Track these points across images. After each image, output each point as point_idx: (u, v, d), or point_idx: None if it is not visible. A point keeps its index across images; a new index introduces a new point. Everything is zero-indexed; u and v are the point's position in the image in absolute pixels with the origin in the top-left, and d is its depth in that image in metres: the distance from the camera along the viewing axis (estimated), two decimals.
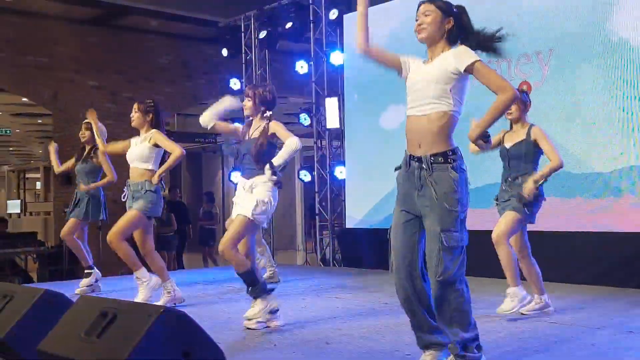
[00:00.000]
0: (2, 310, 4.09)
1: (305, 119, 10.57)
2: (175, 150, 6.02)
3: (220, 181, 18.44)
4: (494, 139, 5.07)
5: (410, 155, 3.57)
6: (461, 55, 3.48)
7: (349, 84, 9.92)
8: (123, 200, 6.27)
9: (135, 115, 6.19)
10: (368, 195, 9.43)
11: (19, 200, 27.59)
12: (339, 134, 10.28)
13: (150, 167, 6.13)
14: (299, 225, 18.30)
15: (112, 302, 3.49)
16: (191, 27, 12.78)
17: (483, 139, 3.50)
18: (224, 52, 11.60)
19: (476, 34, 3.61)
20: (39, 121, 17.67)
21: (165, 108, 13.29)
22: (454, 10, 3.62)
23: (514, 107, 5.13)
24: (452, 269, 3.40)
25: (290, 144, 4.89)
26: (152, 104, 6.25)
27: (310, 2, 10.35)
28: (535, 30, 7.55)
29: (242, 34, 11.48)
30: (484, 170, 6.97)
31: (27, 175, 29.74)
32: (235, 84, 11.44)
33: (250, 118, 5.17)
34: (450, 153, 3.47)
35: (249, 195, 4.90)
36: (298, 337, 4.65)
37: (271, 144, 5.01)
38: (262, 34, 10.85)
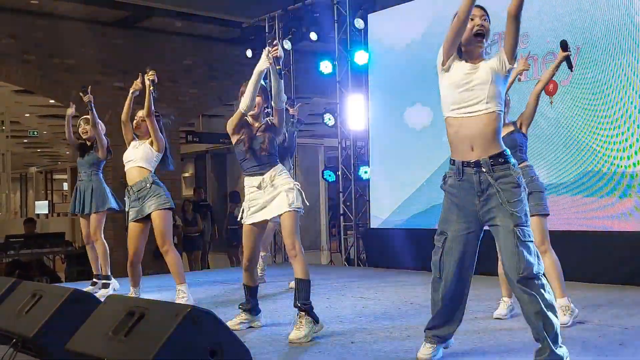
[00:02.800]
0: (31, 309, 4.15)
1: (329, 119, 10.57)
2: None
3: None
4: None
5: (462, 162, 3.56)
6: (501, 54, 3.56)
7: (374, 83, 9.91)
8: (126, 209, 6.17)
9: (142, 124, 6.19)
10: (393, 195, 9.41)
11: (47, 201, 27.86)
12: (363, 134, 10.26)
13: (150, 167, 6.14)
14: (323, 225, 18.27)
15: (140, 301, 3.52)
16: (215, 28, 12.82)
17: None
18: (249, 53, 11.61)
19: None
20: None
21: (190, 109, 13.44)
22: None
23: None
24: (533, 262, 3.40)
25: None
26: (157, 113, 6.27)
27: (335, 2, 10.35)
28: (562, 28, 7.50)
29: (267, 35, 11.50)
30: None
31: (55, 177, 30.02)
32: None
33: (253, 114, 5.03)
34: (506, 153, 3.55)
35: (275, 191, 4.78)
36: (323, 336, 4.65)
37: (277, 131, 4.99)
38: (287, 44, 10.82)
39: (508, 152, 3.57)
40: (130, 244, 6.11)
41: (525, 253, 3.39)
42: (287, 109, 5.80)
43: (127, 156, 6.20)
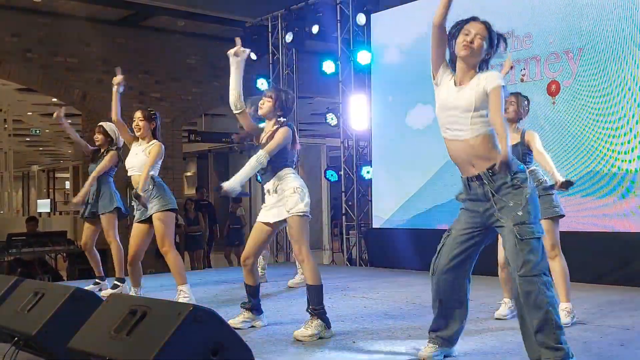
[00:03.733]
0: (34, 308, 4.15)
1: (332, 119, 10.57)
2: (144, 173, 5.94)
3: (246, 182, 18.43)
4: None
5: (467, 177, 3.65)
6: (490, 78, 3.53)
7: (376, 83, 9.91)
8: (135, 215, 6.11)
9: (141, 124, 6.15)
10: (395, 195, 9.41)
11: (49, 200, 27.86)
12: (365, 134, 10.26)
13: (151, 172, 6.10)
14: (325, 224, 18.28)
15: (142, 300, 3.52)
16: (218, 27, 12.82)
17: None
18: (253, 56, 11.59)
19: None
20: (69, 121, 17.80)
21: (192, 108, 13.45)
22: (497, 43, 3.65)
23: (511, 108, 4.95)
24: (533, 261, 3.41)
25: (252, 159, 4.71)
26: (154, 112, 6.22)
27: (338, 1, 10.35)
28: (564, 29, 7.50)
29: (269, 34, 11.51)
30: None
31: (57, 175, 30.01)
32: (262, 84, 11.45)
33: (265, 120, 5.00)
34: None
35: (280, 196, 4.76)
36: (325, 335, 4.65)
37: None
38: (289, 37, 10.84)
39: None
40: (131, 243, 6.10)
41: (526, 251, 3.41)
42: None
43: (128, 163, 6.19)
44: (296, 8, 10.79)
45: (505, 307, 5.09)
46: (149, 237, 6.09)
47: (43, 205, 26.79)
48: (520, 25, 7.79)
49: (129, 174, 6.20)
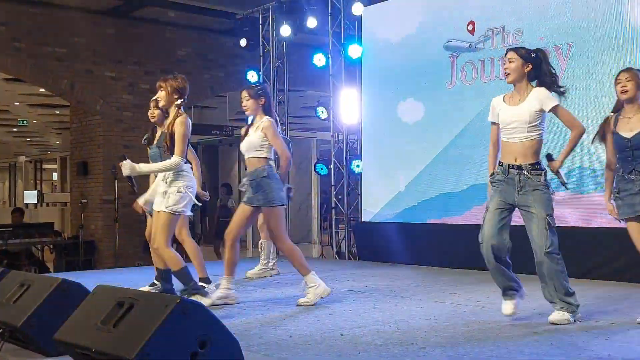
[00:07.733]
0: (20, 299, 4.13)
1: (322, 112, 10.54)
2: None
3: (236, 174, 18.45)
4: (599, 127, 5.00)
5: (509, 164, 4.69)
6: (545, 100, 4.61)
7: (367, 77, 9.88)
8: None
9: (248, 104, 5.87)
10: (384, 189, 9.41)
11: (36, 191, 27.73)
12: (356, 128, 10.25)
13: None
14: (314, 218, 18.29)
15: (129, 291, 3.50)
16: (209, 19, 12.77)
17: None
18: (243, 42, 11.55)
19: (551, 77, 4.72)
20: (57, 112, 17.74)
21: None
22: (533, 56, 4.71)
23: (629, 85, 4.70)
24: (556, 243, 4.56)
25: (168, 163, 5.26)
26: (261, 87, 5.96)
27: None
28: (554, 25, 7.51)
29: (260, 26, 11.47)
30: None
31: (44, 166, 29.90)
32: (252, 76, 11.41)
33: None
34: (541, 163, 4.66)
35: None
36: (313, 328, 4.67)
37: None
38: (283, 30, 10.79)
39: (541, 163, 4.65)
40: None
41: (551, 235, 4.53)
42: None
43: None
44: (287, 0, 10.76)
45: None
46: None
47: (30, 197, 26.67)
48: (510, 21, 7.79)
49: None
